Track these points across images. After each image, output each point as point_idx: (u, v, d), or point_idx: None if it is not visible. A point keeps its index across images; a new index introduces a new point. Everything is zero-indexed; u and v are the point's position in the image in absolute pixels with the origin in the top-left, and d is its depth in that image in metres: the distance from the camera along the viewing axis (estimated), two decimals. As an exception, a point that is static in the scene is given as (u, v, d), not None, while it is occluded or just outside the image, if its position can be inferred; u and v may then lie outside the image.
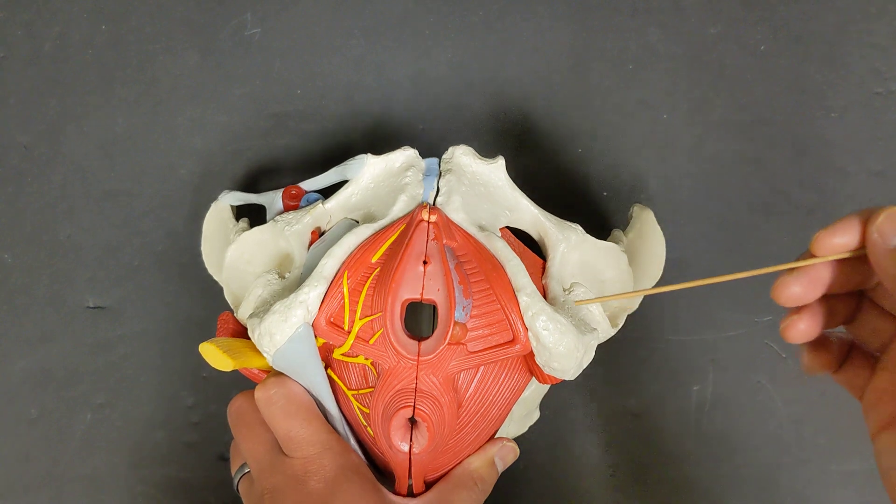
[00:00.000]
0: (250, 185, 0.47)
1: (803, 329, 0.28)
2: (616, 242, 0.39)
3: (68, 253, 0.46)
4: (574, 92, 0.48)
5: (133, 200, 0.47)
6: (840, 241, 0.26)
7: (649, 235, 0.40)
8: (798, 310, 0.29)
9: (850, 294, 0.29)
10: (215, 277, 0.42)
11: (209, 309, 0.45)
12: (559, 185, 0.47)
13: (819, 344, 0.30)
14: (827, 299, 0.28)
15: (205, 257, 0.42)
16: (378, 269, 0.34)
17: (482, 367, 0.34)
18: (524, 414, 0.40)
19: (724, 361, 0.44)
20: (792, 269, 0.27)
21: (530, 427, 0.41)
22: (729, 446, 0.44)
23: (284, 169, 0.47)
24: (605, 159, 0.47)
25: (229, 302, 0.38)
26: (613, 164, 0.47)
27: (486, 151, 0.47)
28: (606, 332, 0.36)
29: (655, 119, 0.47)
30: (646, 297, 0.41)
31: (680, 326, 0.45)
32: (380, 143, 0.47)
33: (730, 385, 0.44)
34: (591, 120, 0.47)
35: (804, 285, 0.27)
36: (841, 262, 0.27)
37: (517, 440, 0.40)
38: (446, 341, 0.32)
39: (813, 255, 0.27)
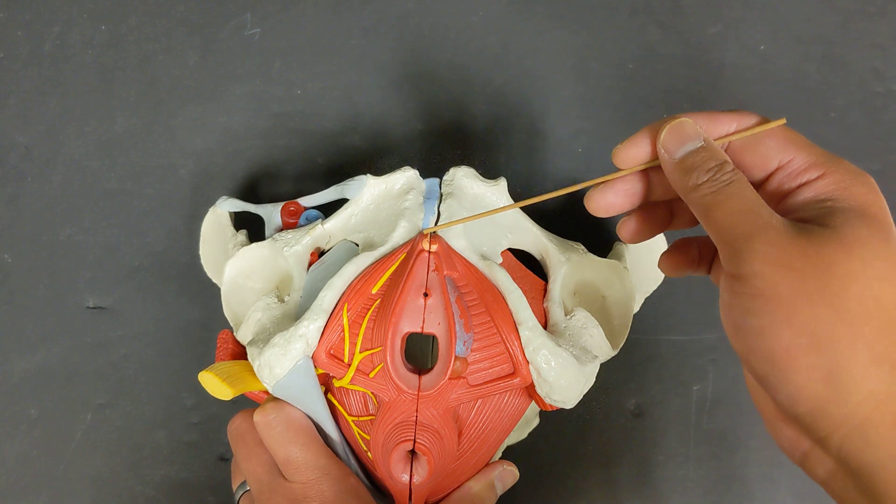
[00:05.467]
0: (250, 184, 0.47)
1: (633, 228, 0.31)
2: (618, 257, 0.39)
3: (68, 253, 0.46)
4: (574, 92, 0.48)
5: (133, 200, 0.47)
6: (636, 153, 0.28)
7: (652, 241, 0.40)
8: (630, 213, 0.31)
9: None
10: (214, 280, 0.42)
11: (209, 309, 0.45)
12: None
13: (676, 246, 0.32)
14: (668, 203, 0.31)
15: (203, 261, 0.42)
16: (378, 301, 0.33)
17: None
18: (524, 423, 0.40)
19: (724, 361, 0.44)
20: (600, 183, 0.29)
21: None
22: (729, 446, 0.44)
23: (284, 169, 0.47)
24: (606, 159, 0.47)
25: (228, 318, 0.38)
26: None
27: (486, 152, 0.47)
28: (607, 354, 0.36)
29: (656, 119, 0.47)
30: (646, 299, 0.41)
31: (680, 326, 0.45)
32: (380, 143, 0.47)
33: (730, 385, 0.44)
34: (591, 120, 0.47)
35: (612, 196, 0.29)
36: (655, 171, 0.29)
37: (517, 443, 0.40)
38: (447, 377, 0.32)
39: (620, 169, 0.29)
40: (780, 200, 0.27)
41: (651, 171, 0.29)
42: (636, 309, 0.40)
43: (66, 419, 0.45)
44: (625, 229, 0.31)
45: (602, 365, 0.36)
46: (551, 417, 0.43)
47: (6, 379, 0.45)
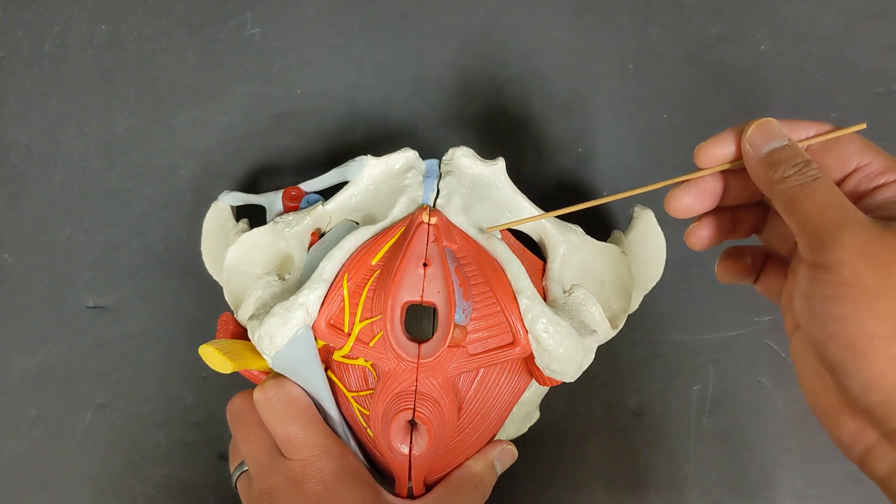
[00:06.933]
0: (250, 184, 0.47)
1: (705, 235, 0.32)
2: (616, 244, 0.39)
3: (68, 253, 0.46)
4: (574, 92, 0.48)
5: (133, 200, 0.47)
6: (719, 152, 0.29)
7: (650, 235, 0.40)
8: (699, 219, 0.31)
9: (756, 204, 0.32)
10: (215, 277, 0.42)
11: (209, 308, 0.45)
12: (559, 185, 0.47)
13: (731, 254, 0.33)
14: (732, 210, 0.31)
15: (205, 257, 0.42)
16: (378, 272, 0.33)
17: (482, 369, 0.34)
18: (524, 415, 0.40)
19: (724, 361, 0.44)
20: (681, 182, 0.30)
21: (530, 427, 0.41)
22: (730, 446, 0.44)
23: (284, 169, 0.47)
24: (606, 159, 0.47)
25: (229, 302, 0.38)
26: (613, 164, 0.47)
27: (487, 151, 0.47)
28: (607, 333, 0.36)
29: (655, 119, 0.47)
30: (646, 298, 0.41)
31: (680, 326, 0.45)
32: (380, 142, 0.47)
33: (730, 385, 0.44)
34: (591, 120, 0.47)
35: (693, 196, 0.30)
36: (731, 174, 0.30)
37: (517, 440, 0.40)
38: (446, 344, 0.32)
39: (700, 169, 0.30)
40: (856, 200, 0.27)
41: (728, 174, 0.30)
42: (634, 307, 0.40)
43: (66, 419, 0.45)
44: (695, 235, 0.32)
45: (603, 364, 0.36)
46: (552, 415, 0.43)
47: (6, 379, 0.45)
